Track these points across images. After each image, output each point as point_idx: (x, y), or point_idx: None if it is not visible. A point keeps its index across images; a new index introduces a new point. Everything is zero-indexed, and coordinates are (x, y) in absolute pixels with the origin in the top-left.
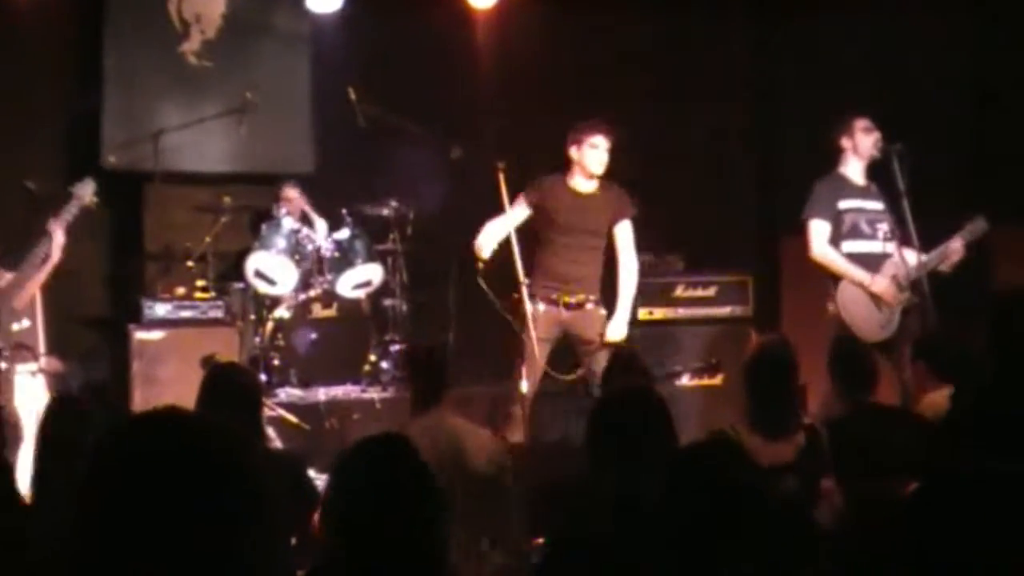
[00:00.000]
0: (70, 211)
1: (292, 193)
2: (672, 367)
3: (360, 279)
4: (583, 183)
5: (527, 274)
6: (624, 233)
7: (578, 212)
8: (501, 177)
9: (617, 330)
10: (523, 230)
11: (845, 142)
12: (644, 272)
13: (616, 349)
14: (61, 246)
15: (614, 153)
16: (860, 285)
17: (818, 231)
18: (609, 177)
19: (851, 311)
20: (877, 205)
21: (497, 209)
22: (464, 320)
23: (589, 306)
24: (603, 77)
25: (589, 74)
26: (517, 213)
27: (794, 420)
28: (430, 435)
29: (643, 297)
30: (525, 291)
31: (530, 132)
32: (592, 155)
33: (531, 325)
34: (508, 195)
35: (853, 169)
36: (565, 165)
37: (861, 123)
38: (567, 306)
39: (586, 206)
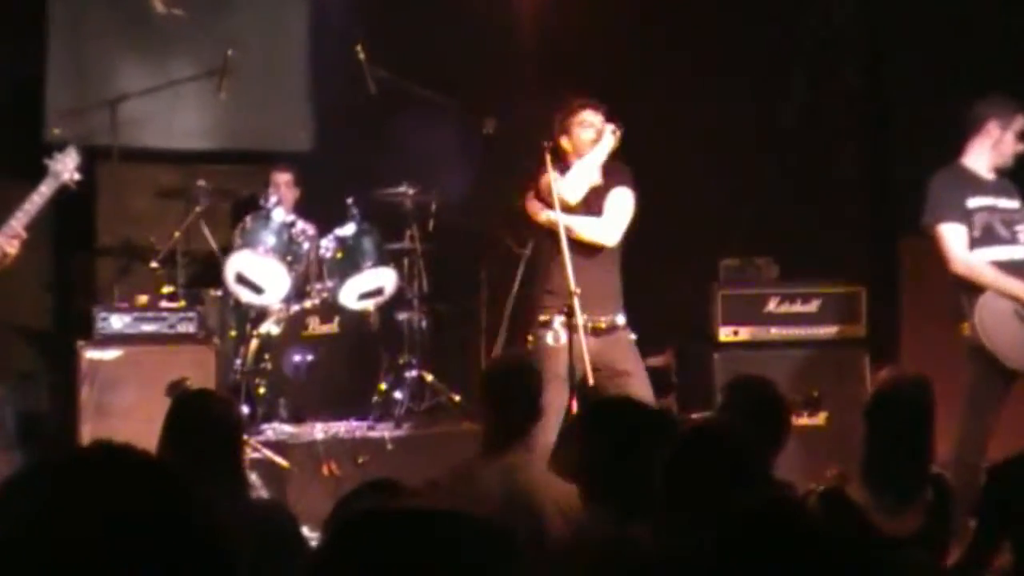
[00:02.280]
0: (41, 193)
1: (284, 177)
2: None
3: (368, 286)
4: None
5: (534, 299)
6: (611, 197)
7: (583, 212)
8: (548, 159)
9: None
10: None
11: (992, 129)
12: (727, 281)
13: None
14: (16, 240)
15: (681, 140)
16: (1020, 300)
17: (955, 237)
18: (616, 160)
19: (993, 333)
20: (1011, 203)
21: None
22: (496, 338)
23: (619, 331)
24: (667, 47)
25: (647, 42)
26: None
27: (925, 477)
28: (505, 484)
29: (726, 312)
30: (577, 303)
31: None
32: (586, 136)
33: (556, 358)
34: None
35: (979, 162)
36: (561, 160)
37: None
38: (596, 332)
39: (591, 203)
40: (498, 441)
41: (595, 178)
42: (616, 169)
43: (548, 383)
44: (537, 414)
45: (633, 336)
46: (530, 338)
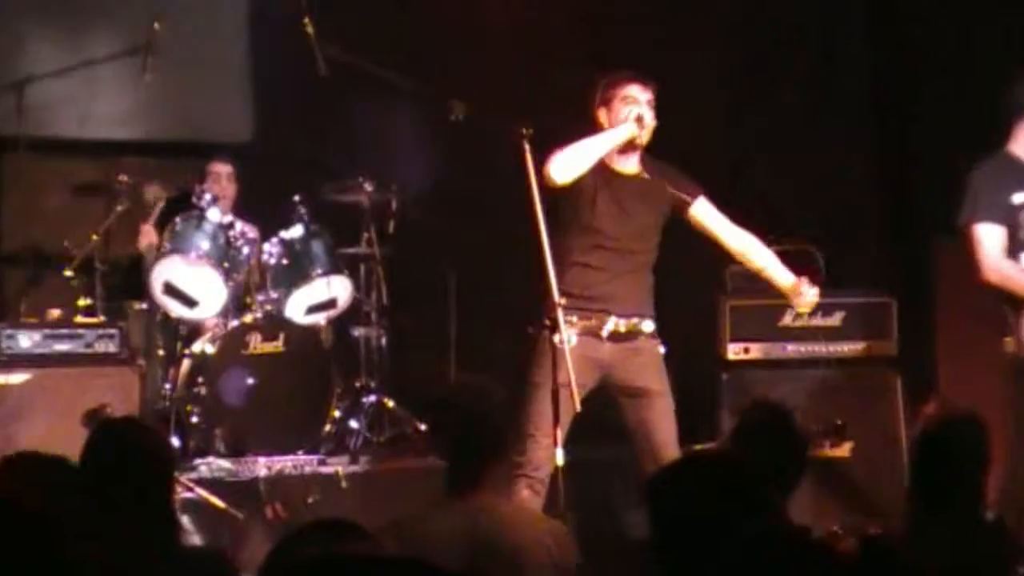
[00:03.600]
0: None
1: (224, 169)
2: None
3: (319, 298)
4: (623, 160)
5: (547, 293)
6: (708, 210)
7: (621, 202)
8: (527, 148)
9: (809, 291)
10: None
11: None
12: (735, 290)
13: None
14: None
15: (679, 131)
16: None
17: (989, 239)
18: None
19: None
20: None
21: (519, 193)
22: (468, 356)
23: (643, 337)
24: (659, 20)
25: (637, 15)
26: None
27: (982, 528)
28: (466, 530)
29: (735, 327)
30: (560, 314)
31: (562, 85)
32: (627, 114)
33: (555, 363)
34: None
35: None
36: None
37: None
38: (613, 337)
39: (631, 193)
40: (460, 481)
41: (633, 166)
42: (676, 172)
43: (547, 389)
44: (501, 453)
45: (662, 349)
46: (530, 330)
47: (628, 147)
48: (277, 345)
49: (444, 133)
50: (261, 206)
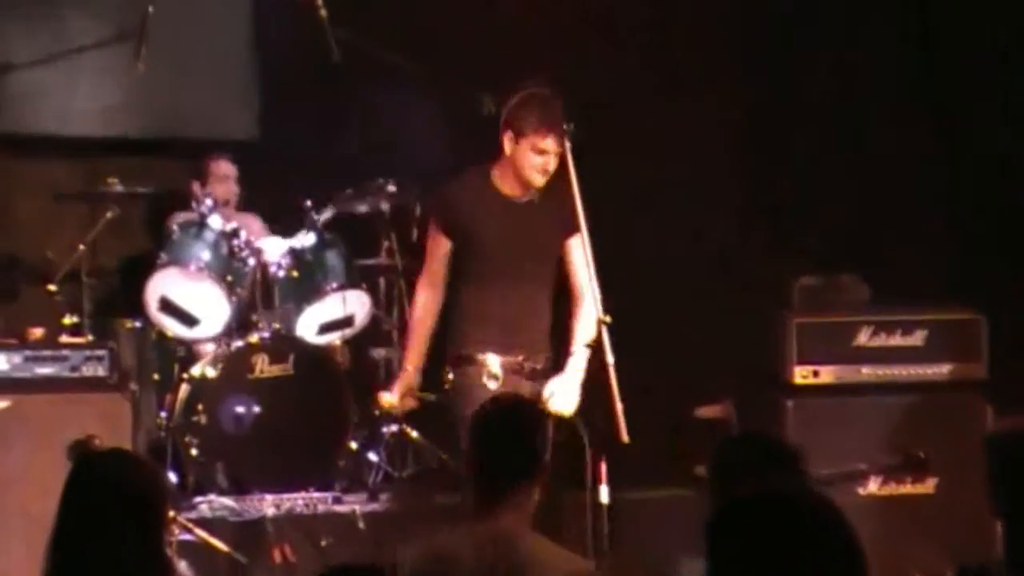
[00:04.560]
0: None
1: (227, 169)
2: (849, 464)
3: (333, 315)
4: (517, 186)
5: (452, 334)
6: (579, 252)
7: (516, 227)
8: (567, 147)
9: (567, 398)
10: None
11: None
12: (803, 306)
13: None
14: None
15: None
16: None
17: None
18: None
19: None
20: None
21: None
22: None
23: (550, 375)
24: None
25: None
26: (439, 262)
27: None
28: (486, 555)
29: (803, 347)
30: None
31: (605, 79)
32: (533, 161)
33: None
34: (577, 175)
35: None
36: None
37: None
38: (530, 375)
39: (526, 218)
40: (484, 503)
41: (529, 191)
42: (564, 200)
43: None
44: (534, 468)
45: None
46: (449, 376)
47: (521, 182)
48: (286, 368)
49: (474, 130)
50: (267, 211)
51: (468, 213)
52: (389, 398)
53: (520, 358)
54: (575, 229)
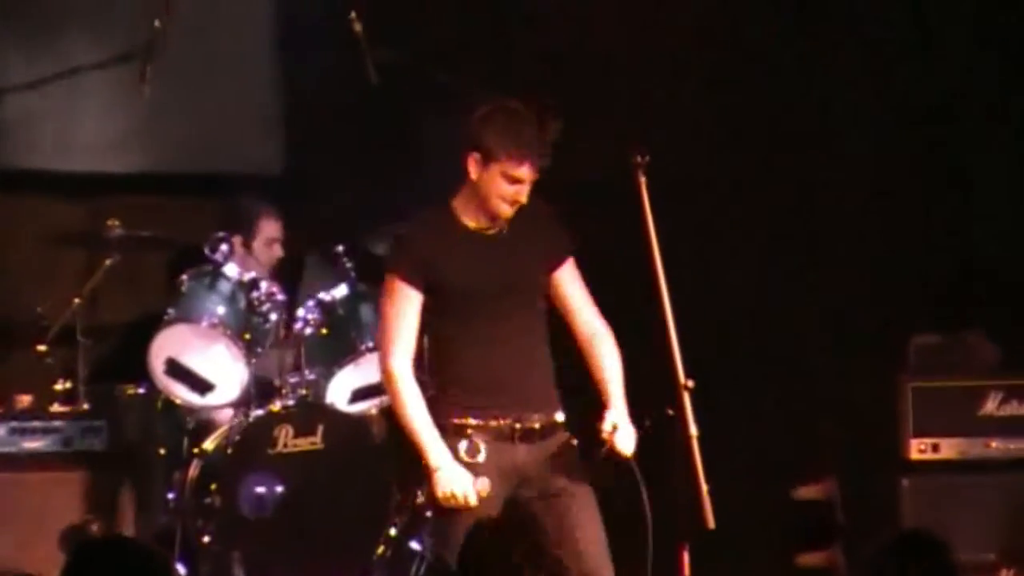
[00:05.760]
0: None
1: (274, 231)
2: (975, 554)
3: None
4: (483, 217)
5: (433, 397)
6: (570, 278)
7: (488, 265)
8: (641, 178)
9: (629, 433)
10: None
11: None
12: (920, 368)
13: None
14: None
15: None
16: None
17: None
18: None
19: None
20: None
21: (630, 235)
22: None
23: (558, 434)
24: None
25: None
26: (411, 324)
27: None
28: None
29: (920, 416)
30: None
31: (681, 100)
32: (503, 190)
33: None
34: (651, 207)
35: None
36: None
37: None
38: (527, 437)
39: (498, 253)
40: None
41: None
42: (548, 217)
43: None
44: None
45: (575, 441)
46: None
47: (487, 212)
48: (314, 441)
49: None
50: (292, 258)
51: (430, 254)
52: (484, 486)
53: (509, 420)
54: (562, 256)
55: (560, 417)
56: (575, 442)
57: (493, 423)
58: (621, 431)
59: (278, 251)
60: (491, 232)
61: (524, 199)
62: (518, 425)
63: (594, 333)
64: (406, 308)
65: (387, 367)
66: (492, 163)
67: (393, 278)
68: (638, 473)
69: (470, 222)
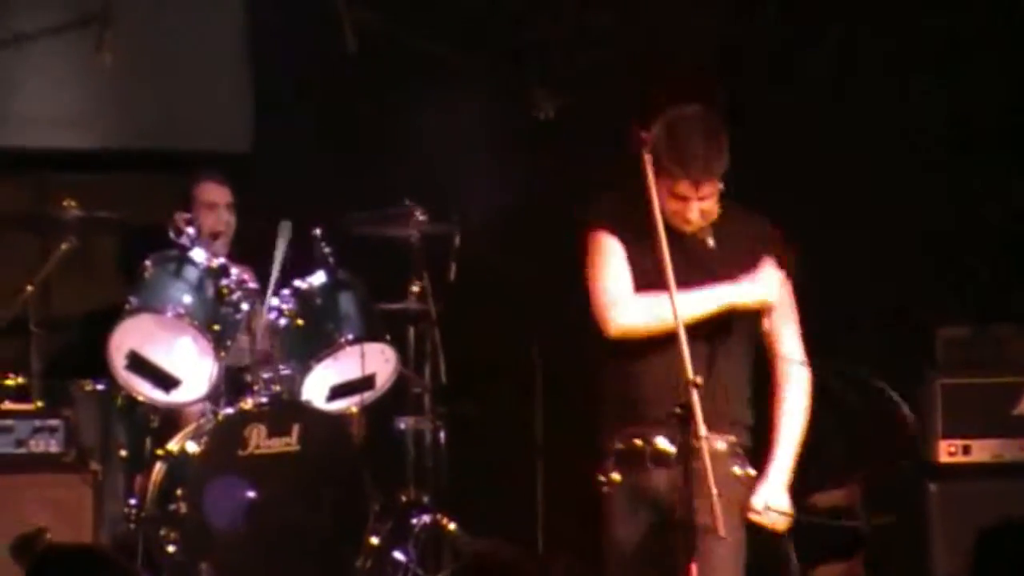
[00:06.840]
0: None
1: (219, 195)
2: None
3: (349, 375)
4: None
5: (597, 414)
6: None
7: (688, 269)
8: (648, 159)
9: (776, 496)
10: None
11: None
12: (950, 364)
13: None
14: None
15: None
16: None
17: None
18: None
19: None
20: None
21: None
22: (559, 457)
23: (734, 463)
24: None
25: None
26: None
27: None
28: None
29: (950, 416)
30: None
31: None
32: (671, 205)
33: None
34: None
35: None
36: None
37: None
38: (657, 459)
39: (702, 256)
40: None
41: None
42: (760, 221)
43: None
44: None
45: (752, 471)
46: (602, 479)
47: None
48: (289, 442)
49: (526, 139)
50: (265, 243)
51: (628, 239)
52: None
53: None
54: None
55: (734, 440)
56: (752, 473)
57: (634, 440)
58: (762, 495)
59: (225, 217)
60: (691, 230)
61: (695, 218)
62: (658, 447)
63: (788, 369)
64: (614, 258)
65: (618, 329)
66: (661, 176)
67: (598, 232)
68: (790, 551)
69: (666, 216)
